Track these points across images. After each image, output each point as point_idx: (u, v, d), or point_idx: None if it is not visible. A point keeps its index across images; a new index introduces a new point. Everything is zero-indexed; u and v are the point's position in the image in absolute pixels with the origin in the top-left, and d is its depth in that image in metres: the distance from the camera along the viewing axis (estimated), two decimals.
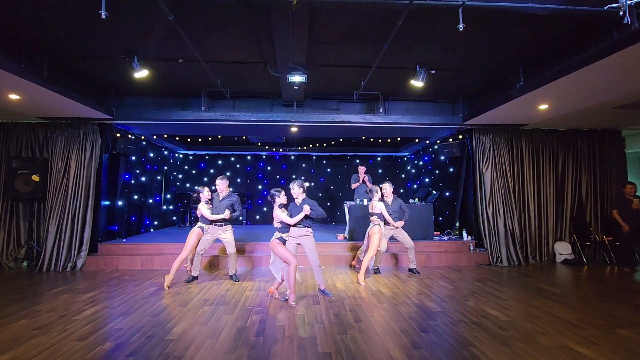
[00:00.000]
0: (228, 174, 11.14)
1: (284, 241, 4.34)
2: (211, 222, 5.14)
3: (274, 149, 11.10)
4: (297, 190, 4.40)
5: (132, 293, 4.67)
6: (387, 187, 5.81)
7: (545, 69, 4.78)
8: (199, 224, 5.21)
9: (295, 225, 4.37)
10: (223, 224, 5.18)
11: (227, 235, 5.22)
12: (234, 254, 5.32)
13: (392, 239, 5.81)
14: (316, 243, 4.57)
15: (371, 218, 5.48)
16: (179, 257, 4.99)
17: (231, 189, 5.60)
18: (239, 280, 5.29)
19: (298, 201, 4.43)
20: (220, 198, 5.20)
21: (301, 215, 4.30)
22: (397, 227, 5.65)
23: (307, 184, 4.62)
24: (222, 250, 6.39)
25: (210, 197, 5.26)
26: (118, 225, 7.31)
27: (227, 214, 5.07)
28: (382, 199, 5.70)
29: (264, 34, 4.23)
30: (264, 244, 6.77)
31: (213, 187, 5.41)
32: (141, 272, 5.95)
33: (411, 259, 5.82)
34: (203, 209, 5.14)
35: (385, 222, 5.52)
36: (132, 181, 8.05)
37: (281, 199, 4.39)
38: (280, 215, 4.34)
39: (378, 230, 5.33)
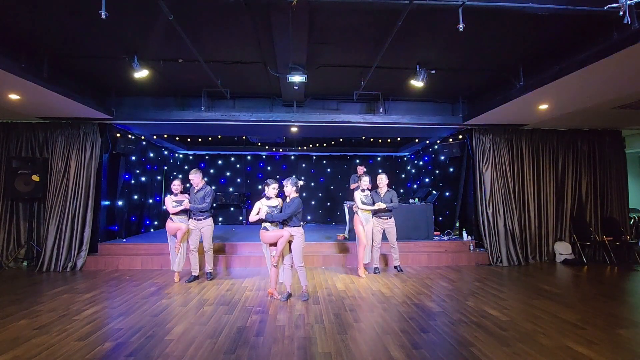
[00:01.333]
0: (228, 173, 11.20)
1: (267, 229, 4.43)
2: (185, 213, 5.29)
3: (274, 149, 11.09)
4: (289, 189, 4.49)
5: (132, 293, 4.67)
6: (383, 178, 5.87)
7: (545, 69, 4.78)
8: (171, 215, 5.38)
9: (283, 223, 4.44)
10: (202, 217, 5.26)
11: (205, 231, 5.30)
12: (209, 250, 5.40)
13: (384, 237, 5.85)
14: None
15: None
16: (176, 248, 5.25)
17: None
18: (212, 279, 5.36)
19: (288, 199, 4.49)
20: (195, 191, 5.32)
21: (256, 217, 4.38)
22: (375, 209, 5.63)
23: (301, 183, 4.69)
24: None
25: (181, 190, 5.39)
26: (118, 225, 7.31)
27: (185, 203, 5.19)
28: (375, 190, 5.88)
29: (264, 34, 4.23)
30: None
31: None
32: (141, 272, 5.95)
33: (395, 257, 5.96)
34: (167, 202, 5.28)
35: (374, 214, 5.70)
36: (132, 181, 8.05)
37: (268, 191, 4.47)
38: (253, 208, 4.46)
39: (356, 217, 5.63)
